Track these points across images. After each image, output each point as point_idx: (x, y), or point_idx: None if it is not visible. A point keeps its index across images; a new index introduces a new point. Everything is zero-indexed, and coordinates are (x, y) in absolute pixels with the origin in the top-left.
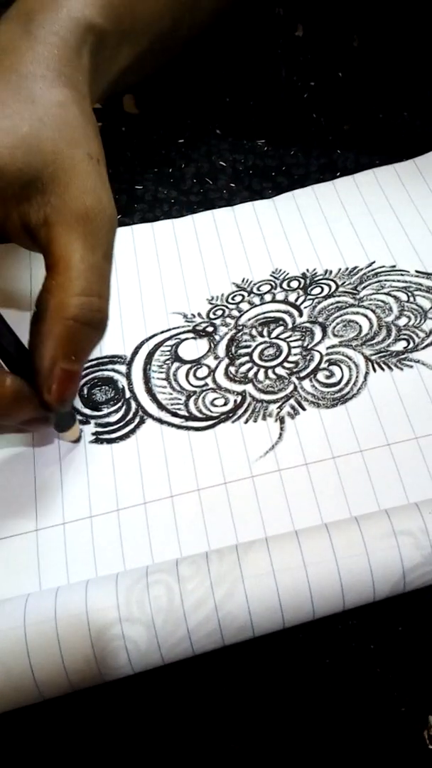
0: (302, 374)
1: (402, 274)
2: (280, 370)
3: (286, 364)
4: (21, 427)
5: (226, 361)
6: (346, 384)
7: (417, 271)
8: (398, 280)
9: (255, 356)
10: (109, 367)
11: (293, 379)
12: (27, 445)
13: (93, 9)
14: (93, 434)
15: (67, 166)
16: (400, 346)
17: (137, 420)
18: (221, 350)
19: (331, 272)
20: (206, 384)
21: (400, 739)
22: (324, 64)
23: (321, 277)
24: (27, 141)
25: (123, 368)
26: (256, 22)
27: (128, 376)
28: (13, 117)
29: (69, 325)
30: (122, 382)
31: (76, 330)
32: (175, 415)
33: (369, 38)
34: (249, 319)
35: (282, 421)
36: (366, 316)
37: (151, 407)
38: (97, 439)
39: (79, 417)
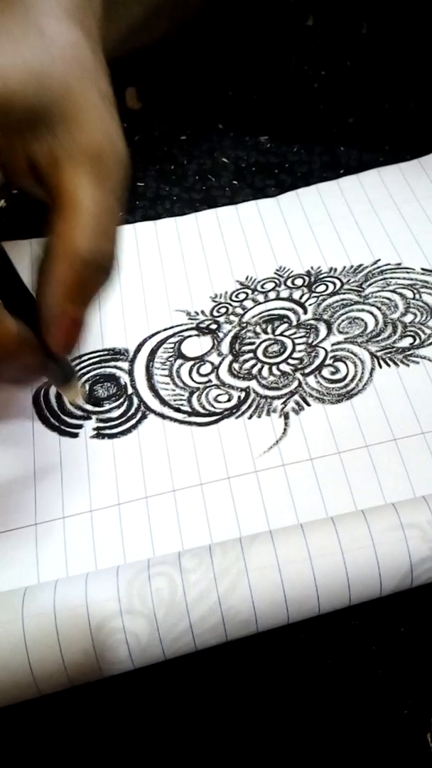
0: (307, 370)
1: (407, 272)
2: (284, 367)
3: (290, 361)
4: (20, 376)
5: (230, 357)
6: (352, 380)
7: (422, 269)
8: (404, 278)
9: (259, 353)
10: (111, 363)
11: (298, 375)
12: (27, 438)
13: None
14: (94, 429)
15: (79, 103)
16: (406, 342)
17: (139, 415)
18: (225, 347)
19: (335, 270)
20: (209, 380)
21: (402, 741)
22: (333, 53)
23: (326, 274)
24: (37, 75)
25: (125, 365)
26: (267, 10)
27: (131, 372)
28: (24, 51)
29: (78, 268)
30: (124, 378)
31: (86, 274)
32: (177, 410)
33: (378, 26)
34: (253, 317)
35: (286, 416)
36: (371, 313)
37: (153, 403)
38: (99, 434)
39: (80, 413)
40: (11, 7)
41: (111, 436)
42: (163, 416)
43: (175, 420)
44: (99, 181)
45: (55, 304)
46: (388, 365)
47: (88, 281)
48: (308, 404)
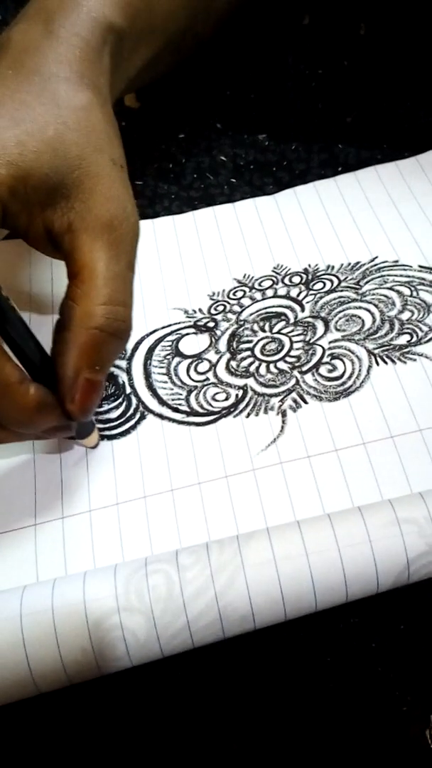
0: (304, 368)
1: (405, 269)
2: (281, 364)
3: (288, 359)
4: (42, 435)
5: (228, 355)
6: (349, 377)
7: (420, 266)
8: (401, 275)
9: (256, 351)
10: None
11: (295, 373)
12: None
13: (112, 9)
14: None
15: (93, 171)
16: (403, 339)
17: (138, 416)
18: (222, 345)
19: (333, 267)
20: (207, 378)
21: (401, 738)
22: (330, 53)
23: (323, 272)
24: (53, 145)
25: (123, 363)
26: (264, 10)
27: (129, 371)
28: (38, 120)
29: (94, 334)
30: (122, 377)
31: (101, 340)
32: (176, 410)
33: (375, 25)
34: (250, 314)
35: (284, 414)
36: (369, 310)
37: (152, 403)
38: (98, 435)
39: None
40: (27, 74)
41: (110, 438)
42: (161, 416)
43: (174, 420)
44: (112, 249)
45: (72, 370)
46: (386, 363)
47: (104, 347)
48: (305, 402)
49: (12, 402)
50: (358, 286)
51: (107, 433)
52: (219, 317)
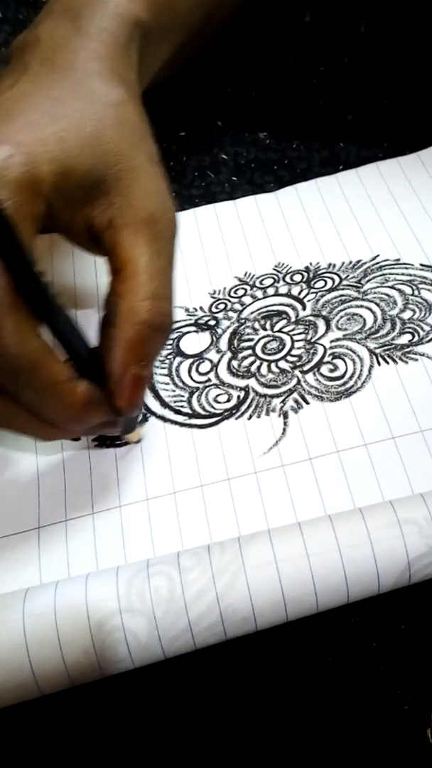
0: (306, 368)
1: (406, 268)
2: (283, 364)
3: (289, 358)
4: (89, 431)
5: (229, 354)
6: (350, 377)
7: (421, 265)
8: (402, 274)
9: (258, 350)
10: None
11: (296, 372)
12: (30, 443)
13: (137, 4)
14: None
15: (131, 167)
16: (405, 339)
17: (140, 418)
18: (223, 344)
19: (334, 266)
20: (209, 379)
21: (402, 737)
22: (331, 50)
23: (324, 270)
24: (92, 141)
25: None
26: (265, 8)
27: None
28: (75, 116)
29: (140, 330)
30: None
31: (147, 335)
32: (178, 412)
33: (376, 22)
34: (251, 313)
35: (285, 416)
36: (370, 309)
37: (154, 405)
38: (100, 437)
39: None
40: (60, 71)
41: (112, 440)
42: (163, 419)
43: (176, 423)
44: (154, 244)
45: (120, 365)
46: (387, 362)
47: (150, 342)
48: (307, 402)
49: (61, 400)
50: (359, 285)
51: (110, 436)
52: (220, 315)
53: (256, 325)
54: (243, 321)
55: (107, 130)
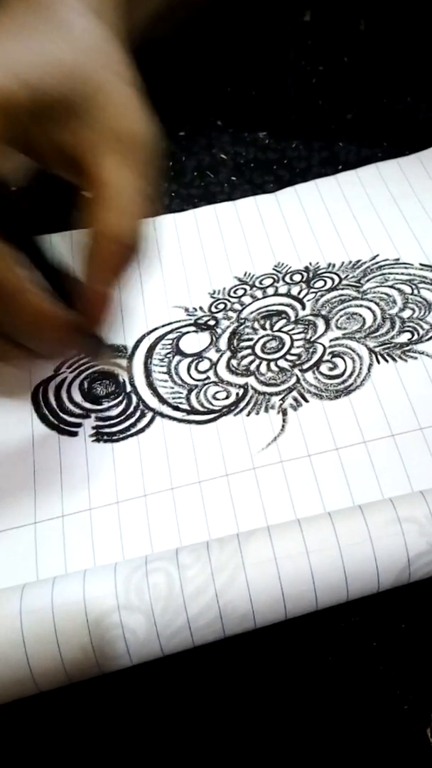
0: (305, 366)
1: (406, 267)
2: (282, 363)
3: (288, 357)
4: (57, 352)
5: (228, 353)
6: (350, 375)
7: (421, 264)
8: (402, 273)
9: (257, 349)
10: (110, 360)
11: (296, 371)
12: (27, 437)
13: None
14: (93, 428)
15: (106, 90)
16: (404, 337)
17: (138, 414)
18: (223, 343)
19: (334, 266)
20: (208, 377)
21: (402, 737)
22: (331, 49)
23: (324, 270)
24: (66, 67)
25: (124, 362)
26: (264, 6)
27: (129, 369)
28: (51, 44)
29: (107, 245)
30: (123, 375)
31: (114, 250)
32: (176, 408)
33: (375, 21)
34: (251, 313)
35: (284, 413)
36: (370, 308)
37: (152, 401)
38: (98, 433)
39: (79, 411)
40: (36, 4)
41: (110, 435)
42: (161, 415)
43: (174, 419)
44: (125, 160)
45: (87, 279)
46: (387, 361)
47: (121, 258)
48: (306, 400)
49: (41, 323)
50: (359, 284)
51: (107, 430)
52: (220, 315)
53: (256, 325)
54: (243, 321)
55: (83, 58)
